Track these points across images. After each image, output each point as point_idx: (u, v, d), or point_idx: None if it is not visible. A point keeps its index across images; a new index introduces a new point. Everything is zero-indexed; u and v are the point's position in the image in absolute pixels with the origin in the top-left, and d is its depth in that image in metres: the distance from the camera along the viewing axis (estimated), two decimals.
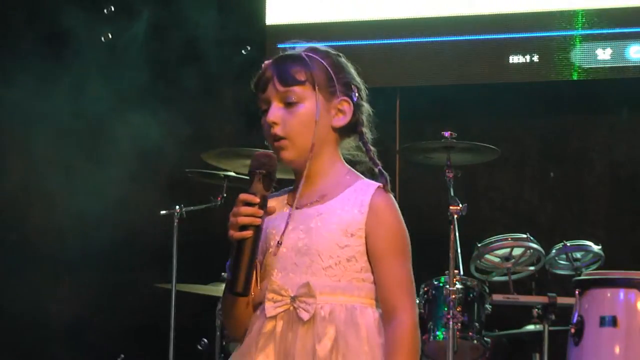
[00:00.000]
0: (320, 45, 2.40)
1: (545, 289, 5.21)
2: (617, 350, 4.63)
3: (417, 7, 6.12)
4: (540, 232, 5.78)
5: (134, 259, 6.28)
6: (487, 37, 5.99)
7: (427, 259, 5.62)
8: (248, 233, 2.20)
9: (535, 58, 6.00)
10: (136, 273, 6.27)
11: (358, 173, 2.38)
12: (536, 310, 5.07)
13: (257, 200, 2.21)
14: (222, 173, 5.29)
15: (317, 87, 2.30)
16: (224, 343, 5.13)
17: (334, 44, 6.49)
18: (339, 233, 2.27)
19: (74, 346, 6.33)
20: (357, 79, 2.40)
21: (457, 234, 4.88)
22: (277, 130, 2.29)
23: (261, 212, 2.22)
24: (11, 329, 6.35)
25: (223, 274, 5.46)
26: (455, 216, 4.90)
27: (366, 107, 2.41)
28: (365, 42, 6.12)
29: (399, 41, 6.18)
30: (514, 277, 5.29)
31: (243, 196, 2.24)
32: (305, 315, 2.23)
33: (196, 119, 6.45)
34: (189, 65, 6.42)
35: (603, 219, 6.20)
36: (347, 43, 6.05)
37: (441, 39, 6.11)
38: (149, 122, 6.23)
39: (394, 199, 2.34)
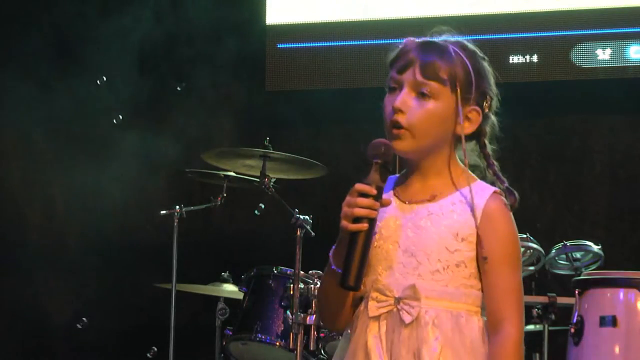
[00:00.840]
0: (469, 44, 2.31)
1: (545, 289, 5.21)
2: (617, 350, 4.64)
3: (418, 7, 6.12)
4: (540, 232, 5.78)
5: (134, 259, 6.28)
6: (487, 37, 5.99)
7: None
8: (363, 226, 2.11)
9: (535, 58, 6.00)
10: (136, 273, 6.26)
11: (474, 174, 2.30)
12: (536, 310, 5.07)
13: (374, 191, 2.13)
14: (222, 173, 5.27)
15: (456, 89, 2.22)
16: (224, 343, 5.12)
17: (334, 44, 6.52)
18: (450, 236, 2.19)
19: (74, 346, 6.33)
20: (494, 88, 2.33)
21: None
22: (401, 118, 2.20)
23: (377, 204, 2.14)
24: (11, 329, 6.35)
25: (223, 273, 5.47)
26: None
27: (493, 119, 2.34)
28: (366, 42, 6.12)
29: (399, 41, 6.18)
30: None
31: (359, 186, 2.14)
32: (407, 318, 2.17)
33: (196, 119, 6.44)
34: (189, 65, 6.42)
35: (603, 219, 6.20)
36: (348, 43, 6.06)
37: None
38: (149, 121, 6.24)
39: (509, 207, 2.24)
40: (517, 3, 6.00)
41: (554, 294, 5.02)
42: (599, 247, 5.33)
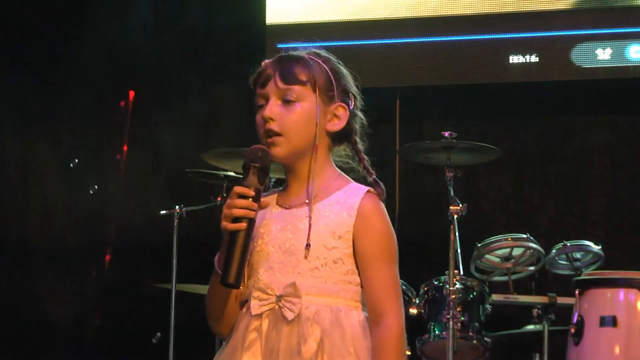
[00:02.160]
0: (322, 51, 2.41)
1: (545, 289, 5.22)
2: (617, 350, 4.64)
3: (418, 6, 6.12)
4: (540, 232, 5.79)
5: (134, 259, 6.28)
6: (487, 37, 5.99)
7: (427, 259, 5.67)
8: (242, 225, 2.21)
9: (535, 58, 6.00)
10: (136, 273, 6.27)
11: (348, 177, 2.39)
12: (536, 310, 5.07)
13: (252, 193, 2.23)
14: (222, 173, 5.28)
15: (317, 89, 2.31)
16: (223, 343, 5.11)
17: (334, 44, 6.53)
18: (327, 235, 2.28)
19: (74, 346, 6.34)
20: (355, 88, 2.41)
21: (457, 234, 4.88)
22: (273, 125, 2.29)
23: (255, 205, 2.23)
24: (11, 328, 6.35)
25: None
26: (455, 216, 4.91)
27: (360, 116, 2.42)
28: (366, 42, 6.13)
29: (399, 41, 6.19)
30: (514, 277, 5.29)
31: (237, 189, 2.26)
32: (290, 315, 2.24)
33: (196, 119, 6.45)
34: (190, 64, 6.43)
35: (603, 219, 6.20)
36: (347, 43, 6.06)
37: (441, 39, 6.11)
38: (148, 122, 6.25)
39: (382, 204, 2.34)
40: (517, 3, 6.01)
41: (554, 294, 5.03)
42: (599, 247, 5.34)
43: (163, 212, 5.32)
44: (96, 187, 6.48)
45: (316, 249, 2.28)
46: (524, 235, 5.32)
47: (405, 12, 6.10)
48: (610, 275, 4.87)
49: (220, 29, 6.31)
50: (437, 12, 6.05)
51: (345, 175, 2.39)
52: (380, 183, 2.37)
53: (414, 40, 6.16)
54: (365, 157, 2.42)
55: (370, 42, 6.12)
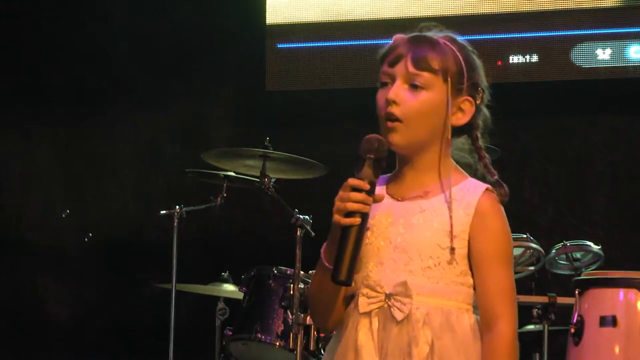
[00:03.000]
0: (458, 37, 2.32)
1: (545, 289, 5.21)
2: (617, 350, 4.63)
3: (418, 6, 6.12)
4: (540, 232, 5.78)
5: (134, 259, 6.28)
6: (487, 37, 5.99)
7: None
8: (356, 220, 2.11)
9: (535, 58, 6.00)
10: (136, 273, 6.27)
11: (465, 172, 2.29)
12: (536, 310, 5.06)
13: (367, 186, 2.12)
14: (222, 173, 5.27)
15: (448, 80, 2.21)
16: (223, 343, 5.11)
17: (334, 44, 6.51)
18: (442, 233, 2.18)
19: (74, 346, 6.33)
20: (485, 81, 2.32)
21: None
22: (395, 110, 2.19)
23: (370, 199, 2.13)
24: (10, 328, 6.35)
25: (223, 273, 5.47)
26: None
27: (485, 112, 2.33)
28: (366, 42, 6.12)
29: None
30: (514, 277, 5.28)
31: (352, 181, 2.14)
32: (399, 315, 2.15)
33: (196, 119, 6.45)
34: (190, 64, 6.43)
35: (603, 219, 6.19)
36: (347, 43, 6.06)
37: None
38: (149, 122, 6.24)
39: (501, 205, 2.24)
40: (517, 3, 6.00)
41: (554, 294, 5.01)
42: (599, 247, 5.33)
43: (163, 212, 5.31)
44: (67, 211, 6.49)
45: (430, 247, 2.18)
46: (524, 235, 5.31)
47: (405, 12, 6.10)
48: (610, 275, 4.86)
49: (220, 29, 6.31)
50: (438, 12, 6.05)
51: (463, 171, 2.29)
52: (504, 184, 2.27)
53: None
54: (487, 155, 2.32)
55: (371, 42, 6.12)
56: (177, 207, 5.25)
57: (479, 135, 2.32)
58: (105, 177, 6.28)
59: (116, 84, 6.43)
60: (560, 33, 5.98)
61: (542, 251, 5.30)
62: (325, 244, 2.24)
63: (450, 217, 2.18)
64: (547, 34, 6.01)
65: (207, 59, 6.41)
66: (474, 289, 2.20)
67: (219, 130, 6.60)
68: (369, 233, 2.21)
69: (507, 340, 2.17)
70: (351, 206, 2.11)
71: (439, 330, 2.15)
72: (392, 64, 2.22)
